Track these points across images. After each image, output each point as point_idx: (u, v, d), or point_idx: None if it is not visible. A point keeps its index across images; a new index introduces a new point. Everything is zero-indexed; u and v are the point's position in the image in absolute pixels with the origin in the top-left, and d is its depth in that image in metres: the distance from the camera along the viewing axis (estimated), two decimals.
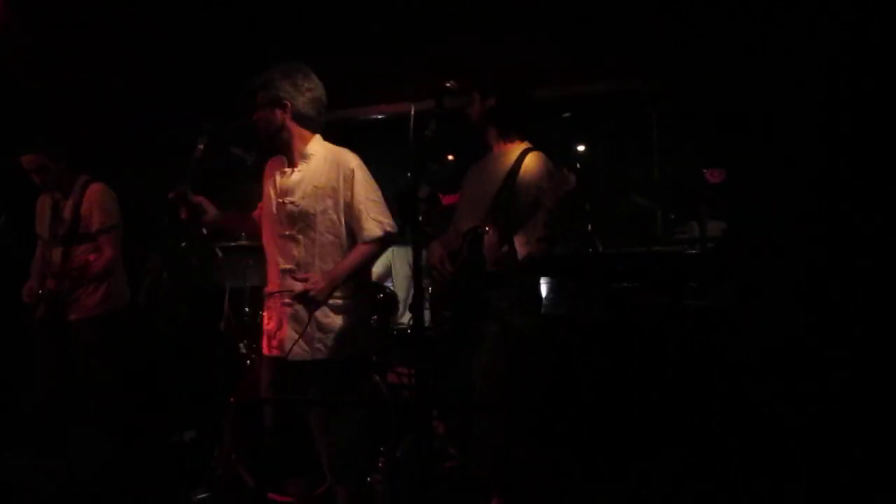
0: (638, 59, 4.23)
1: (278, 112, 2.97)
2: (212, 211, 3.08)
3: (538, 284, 3.32)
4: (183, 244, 3.90)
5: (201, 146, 3.18)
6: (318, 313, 2.92)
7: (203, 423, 4.08)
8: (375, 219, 2.96)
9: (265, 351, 3.09)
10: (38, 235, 4.17)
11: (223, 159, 3.73)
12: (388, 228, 2.97)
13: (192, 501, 3.71)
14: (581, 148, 5.09)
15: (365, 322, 3.13)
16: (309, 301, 2.88)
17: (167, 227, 3.52)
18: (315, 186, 2.98)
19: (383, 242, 3.00)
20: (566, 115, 4.77)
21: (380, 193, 3.03)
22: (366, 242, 2.97)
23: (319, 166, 3.00)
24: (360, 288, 3.06)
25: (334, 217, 2.97)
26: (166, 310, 4.29)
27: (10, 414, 4.09)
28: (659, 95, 4.45)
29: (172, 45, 4.92)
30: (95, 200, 4.03)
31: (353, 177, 2.96)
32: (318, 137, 3.07)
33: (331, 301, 2.95)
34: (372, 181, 3.03)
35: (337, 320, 2.96)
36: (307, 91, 2.99)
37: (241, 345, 3.94)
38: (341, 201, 2.97)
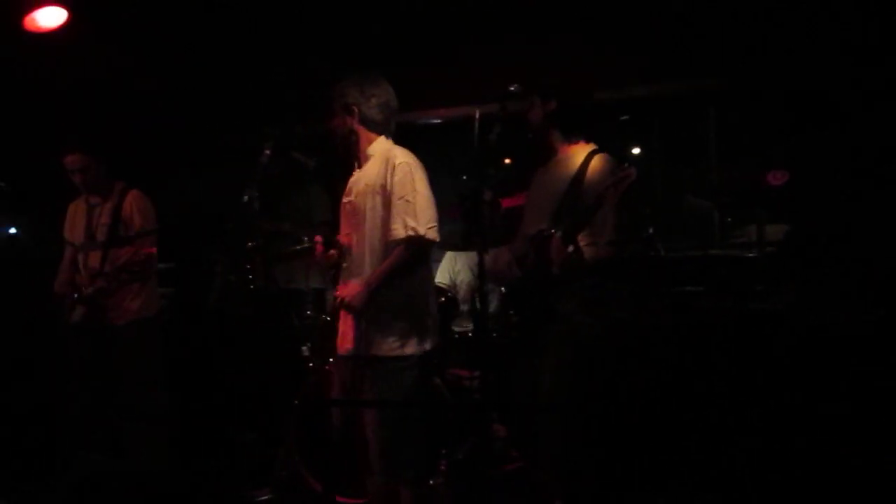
0: (696, 60, 4.20)
1: (348, 118, 3.10)
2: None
3: (605, 286, 3.27)
4: (250, 244, 3.93)
5: (267, 151, 3.25)
6: (372, 310, 2.96)
7: (266, 425, 4.11)
8: (403, 220, 2.93)
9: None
10: (66, 241, 4.18)
11: (285, 163, 3.76)
12: (412, 232, 2.91)
13: (254, 503, 3.75)
14: (636, 150, 5.05)
15: (423, 321, 3.09)
16: (347, 308, 2.95)
17: (231, 230, 3.58)
18: (366, 184, 3.04)
19: (412, 245, 2.93)
20: (624, 118, 4.74)
21: (421, 195, 2.95)
22: (393, 243, 2.95)
23: (374, 165, 3.06)
24: (418, 286, 3.06)
25: (383, 214, 2.99)
26: (232, 311, 4.33)
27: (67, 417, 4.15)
28: (718, 96, 4.41)
29: (227, 52, 4.97)
30: (136, 205, 4.07)
31: (393, 173, 2.97)
32: (382, 138, 3.12)
33: (387, 299, 2.97)
34: (413, 181, 2.96)
35: (392, 318, 2.98)
36: (373, 97, 3.08)
37: (305, 347, 3.98)
38: (387, 198, 2.99)
